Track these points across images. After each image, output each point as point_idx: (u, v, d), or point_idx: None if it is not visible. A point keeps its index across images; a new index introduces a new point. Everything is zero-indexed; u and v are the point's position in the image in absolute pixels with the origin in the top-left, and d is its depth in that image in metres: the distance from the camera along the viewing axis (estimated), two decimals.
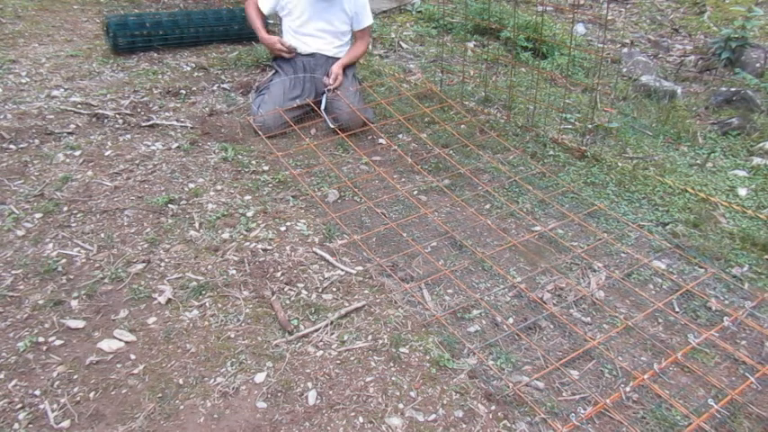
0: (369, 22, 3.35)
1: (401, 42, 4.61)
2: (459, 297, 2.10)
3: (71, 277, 2.06)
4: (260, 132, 3.03)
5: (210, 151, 2.91)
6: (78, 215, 2.38)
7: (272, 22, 4.57)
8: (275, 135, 3.05)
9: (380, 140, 3.13)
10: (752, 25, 4.22)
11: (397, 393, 1.71)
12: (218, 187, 2.62)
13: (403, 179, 2.82)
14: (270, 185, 2.67)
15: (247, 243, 2.28)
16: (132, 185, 2.59)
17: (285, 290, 2.07)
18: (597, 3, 5.93)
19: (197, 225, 2.36)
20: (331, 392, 1.70)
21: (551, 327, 1.99)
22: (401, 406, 1.67)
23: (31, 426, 1.56)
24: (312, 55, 3.28)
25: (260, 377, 1.73)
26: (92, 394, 1.65)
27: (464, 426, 1.62)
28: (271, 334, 1.89)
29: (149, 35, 3.95)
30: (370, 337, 1.89)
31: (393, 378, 1.75)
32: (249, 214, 2.45)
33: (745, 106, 3.59)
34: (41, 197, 2.47)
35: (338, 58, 3.28)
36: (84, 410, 1.61)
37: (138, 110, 3.25)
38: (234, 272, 2.14)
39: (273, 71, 3.36)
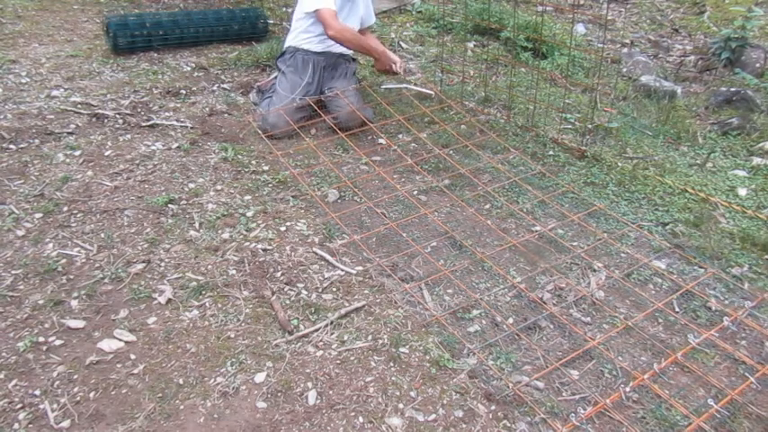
0: (374, 20, 3.53)
1: (401, 42, 4.61)
2: (459, 297, 2.10)
3: (71, 277, 2.06)
4: (261, 133, 3.03)
5: (210, 151, 2.91)
6: (78, 215, 2.38)
7: (273, 22, 4.58)
8: (275, 135, 3.05)
9: (380, 140, 3.13)
10: (752, 25, 4.22)
11: (397, 393, 1.71)
12: (218, 187, 2.63)
13: (403, 179, 2.82)
14: (270, 185, 2.67)
15: (247, 243, 2.28)
16: (132, 185, 2.59)
17: (285, 290, 2.07)
18: (597, 3, 5.93)
19: (197, 225, 2.37)
20: (331, 392, 1.70)
21: (551, 327, 1.99)
22: (401, 406, 1.67)
23: (31, 426, 1.56)
24: (322, 53, 3.27)
25: (260, 377, 1.73)
26: (92, 394, 1.65)
27: (464, 426, 1.62)
28: (271, 334, 1.89)
29: (149, 35, 3.95)
30: (370, 337, 1.89)
31: (393, 378, 1.75)
32: (249, 214, 2.45)
33: (745, 106, 3.59)
34: (41, 197, 2.47)
35: (345, 54, 3.33)
36: (84, 410, 1.61)
37: (138, 110, 3.25)
38: (234, 272, 2.14)
39: (276, 72, 3.35)
